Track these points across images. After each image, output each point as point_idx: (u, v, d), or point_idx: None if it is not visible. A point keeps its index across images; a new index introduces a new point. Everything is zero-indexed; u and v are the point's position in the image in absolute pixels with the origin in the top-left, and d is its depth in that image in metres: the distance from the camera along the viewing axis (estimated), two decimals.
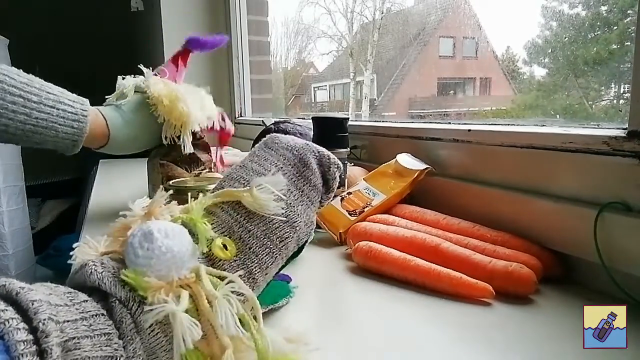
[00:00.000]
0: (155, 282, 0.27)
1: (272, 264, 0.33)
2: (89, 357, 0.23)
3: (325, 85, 1.72)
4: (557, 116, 0.71)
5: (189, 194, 0.34)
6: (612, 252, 0.40)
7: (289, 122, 0.80)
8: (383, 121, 0.89)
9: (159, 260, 0.27)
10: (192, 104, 0.67)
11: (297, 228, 0.34)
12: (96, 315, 0.25)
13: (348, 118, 0.69)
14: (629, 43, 0.54)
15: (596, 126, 0.47)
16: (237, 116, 1.56)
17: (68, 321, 0.24)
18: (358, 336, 0.37)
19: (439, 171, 0.63)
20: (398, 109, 1.26)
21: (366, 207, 0.59)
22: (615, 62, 0.62)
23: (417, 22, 1.07)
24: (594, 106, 0.68)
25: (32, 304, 0.23)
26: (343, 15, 1.46)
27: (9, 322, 0.21)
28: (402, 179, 0.61)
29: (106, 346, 0.24)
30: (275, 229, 0.33)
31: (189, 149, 0.67)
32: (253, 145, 0.83)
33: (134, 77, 0.68)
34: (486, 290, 0.41)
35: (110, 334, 0.25)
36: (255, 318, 0.28)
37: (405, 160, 0.63)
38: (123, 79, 0.67)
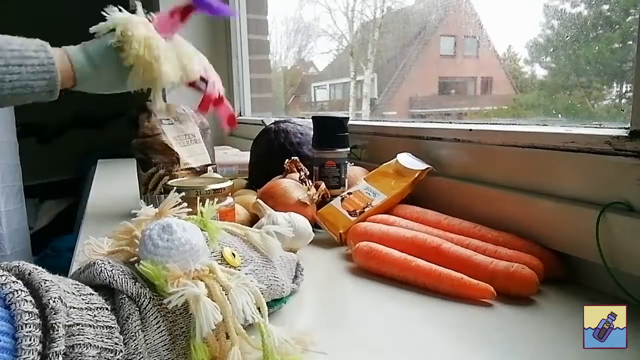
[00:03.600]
0: (175, 270, 0.28)
1: (265, 290, 0.36)
2: (90, 345, 0.23)
3: (326, 85, 1.72)
4: (559, 116, 0.71)
5: (196, 194, 0.36)
6: (614, 253, 0.40)
7: (289, 122, 0.80)
8: (383, 121, 0.88)
9: (178, 252, 0.29)
10: (169, 59, 0.61)
11: (282, 280, 0.39)
12: (100, 308, 0.26)
13: (348, 117, 0.68)
14: (631, 42, 0.54)
15: (598, 126, 0.47)
16: (236, 116, 1.55)
17: (74, 307, 0.24)
18: (358, 336, 0.36)
19: (440, 171, 0.63)
20: (399, 109, 1.25)
21: (366, 207, 0.59)
22: (617, 61, 0.62)
23: (417, 21, 1.07)
24: (596, 105, 0.68)
25: (44, 283, 0.23)
26: (343, 13, 1.45)
27: (17, 293, 0.22)
28: (403, 178, 0.61)
29: (107, 338, 0.25)
30: (270, 268, 0.38)
31: (159, 106, 0.64)
32: (253, 145, 0.82)
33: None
34: (487, 291, 0.41)
35: (112, 327, 0.25)
36: (261, 314, 0.29)
37: (406, 160, 0.63)
38: (120, 10, 0.62)
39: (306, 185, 0.64)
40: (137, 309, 0.27)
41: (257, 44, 1.60)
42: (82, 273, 0.28)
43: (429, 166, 0.62)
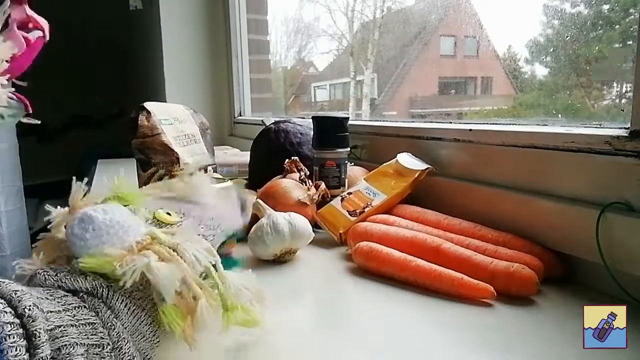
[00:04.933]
0: (115, 252, 0.27)
1: (217, 234, 0.35)
2: (77, 344, 0.23)
3: (326, 85, 1.72)
4: (559, 115, 0.71)
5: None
6: (614, 253, 0.40)
7: (289, 122, 0.80)
8: (383, 120, 0.88)
9: (109, 235, 0.28)
10: None
11: (228, 217, 0.38)
12: (78, 307, 0.25)
13: (348, 117, 0.68)
14: (631, 42, 0.54)
15: (598, 126, 0.47)
16: (236, 115, 1.55)
17: (52, 312, 0.24)
18: (358, 337, 0.36)
19: (440, 171, 0.63)
20: (399, 109, 1.25)
21: (366, 207, 0.59)
22: (617, 61, 0.62)
23: (417, 21, 1.07)
24: (596, 105, 0.68)
25: (15, 294, 0.23)
26: (343, 13, 1.45)
27: None
28: (403, 178, 0.61)
29: (92, 335, 0.25)
30: (210, 208, 0.36)
31: None
32: (253, 145, 0.82)
33: None
34: (487, 291, 0.41)
35: (95, 323, 0.25)
36: (214, 266, 0.30)
37: (406, 160, 0.63)
38: None
39: (306, 185, 0.64)
40: (100, 300, 0.26)
41: (257, 44, 1.60)
42: (35, 278, 0.27)
43: (429, 166, 0.62)
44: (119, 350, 0.26)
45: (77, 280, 0.26)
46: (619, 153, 0.41)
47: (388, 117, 1.29)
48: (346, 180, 0.67)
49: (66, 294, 0.26)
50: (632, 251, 0.39)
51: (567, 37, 0.66)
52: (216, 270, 0.30)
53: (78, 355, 0.23)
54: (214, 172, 0.81)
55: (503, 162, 0.54)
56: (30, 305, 0.22)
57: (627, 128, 0.41)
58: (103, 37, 2.24)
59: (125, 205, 0.32)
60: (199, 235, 0.33)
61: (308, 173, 0.65)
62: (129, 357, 0.26)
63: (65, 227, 0.30)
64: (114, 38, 2.19)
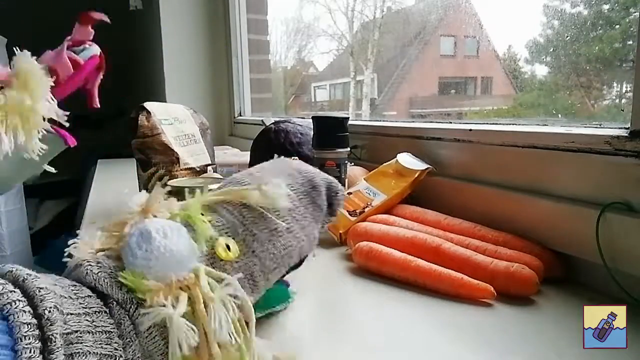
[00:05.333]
0: (153, 284, 0.26)
1: (274, 270, 0.32)
2: (90, 352, 0.23)
3: (326, 85, 1.72)
4: (559, 115, 0.71)
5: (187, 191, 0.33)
6: (614, 253, 0.40)
7: (289, 122, 0.80)
8: (383, 121, 0.88)
9: (158, 262, 0.27)
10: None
11: (301, 240, 0.34)
12: (99, 312, 0.25)
13: (348, 117, 0.68)
14: (631, 42, 0.54)
15: (598, 126, 0.47)
16: (236, 115, 1.55)
17: (72, 314, 0.23)
18: (358, 336, 0.36)
19: (440, 171, 0.63)
20: (399, 109, 1.25)
21: (366, 207, 0.59)
22: (617, 61, 0.62)
23: (417, 21, 1.07)
24: (596, 105, 0.68)
25: (39, 291, 0.22)
26: (343, 13, 1.45)
27: (15, 304, 0.21)
28: (403, 178, 0.61)
29: (107, 344, 0.24)
30: (280, 236, 0.32)
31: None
32: (253, 145, 0.82)
33: None
34: (487, 291, 0.41)
35: (112, 332, 0.25)
36: (247, 326, 0.27)
37: (406, 160, 0.63)
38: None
39: None
40: (127, 314, 0.26)
41: (257, 44, 1.60)
42: (69, 275, 0.27)
43: (429, 166, 0.62)
44: None
45: (113, 288, 0.26)
46: (619, 153, 0.41)
47: (388, 117, 1.29)
48: (346, 180, 0.67)
49: (91, 294, 0.26)
50: (632, 251, 0.39)
51: (567, 37, 0.66)
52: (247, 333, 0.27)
53: None
54: (213, 172, 0.81)
55: (503, 162, 0.54)
56: (51, 308, 0.22)
57: (627, 128, 0.41)
58: (103, 37, 2.24)
59: (190, 226, 0.30)
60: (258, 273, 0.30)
61: None
62: None
63: (131, 225, 0.29)
64: (113, 38, 2.19)
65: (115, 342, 0.24)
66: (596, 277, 0.43)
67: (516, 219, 0.50)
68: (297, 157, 0.65)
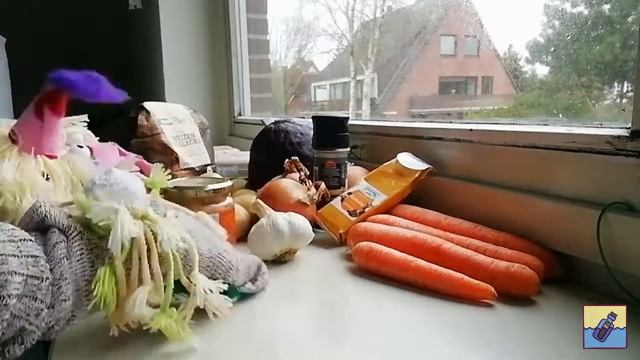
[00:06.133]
0: (105, 200, 0.30)
1: (206, 254, 0.36)
2: (15, 272, 0.25)
3: (326, 84, 1.71)
4: (560, 115, 0.71)
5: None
6: (615, 253, 0.40)
7: (289, 122, 0.80)
8: (384, 120, 0.88)
9: (112, 189, 0.31)
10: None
11: (229, 266, 0.38)
12: (24, 240, 0.28)
13: (348, 117, 0.68)
14: (632, 42, 0.54)
15: (599, 125, 0.47)
16: (236, 115, 1.55)
17: None
18: (358, 337, 0.36)
19: (440, 171, 0.63)
20: (399, 108, 1.25)
21: (367, 207, 0.59)
22: (618, 60, 0.62)
23: (418, 21, 1.07)
24: (596, 105, 0.68)
25: None
26: (344, 13, 1.45)
27: None
28: (403, 178, 0.61)
29: (33, 266, 0.27)
30: (219, 243, 0.38)
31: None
32: (253, 145, 0.82)
33: None
34: (488, 291, 0.41)
35: (38, 257, 0.27)
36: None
37: (406, 159, 0.63)
38: None
39: (306, 185, 0.63)
40: (65, 238, 0.29)
41: (257, 44, 1.60)
42: (26, 214, 0.30)
43: (429, 166, 0.62)
44: (58, 288, 0.27)
45: (60, 217, 0.29)
46: (620, 153, 0.41)
47: (388, 117, 1.29)
48: (346, 180, 0.67)
49: (14, 227, 0.28)
50: (633, 251, 0.39)
51: (567, 36, 0.66)
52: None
53: (16, 282, 0.25)
54: (213, 172, 0.81)
55: (503, 162, 0.54)
56: None
57: (628, 128, 0.41)
58: (103, 37, 2.24)
59: (147, 188, 0.35)
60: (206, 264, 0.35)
61: (308, 173, 0.65)
62: (63, 298, 0.27)
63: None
64: (113, 38, 2.19)
65: (42, 265, 0.27)
66: (597, 277, 0.43)
67: (517, 219, 0.50)
68: (297, 157, 0.65)
